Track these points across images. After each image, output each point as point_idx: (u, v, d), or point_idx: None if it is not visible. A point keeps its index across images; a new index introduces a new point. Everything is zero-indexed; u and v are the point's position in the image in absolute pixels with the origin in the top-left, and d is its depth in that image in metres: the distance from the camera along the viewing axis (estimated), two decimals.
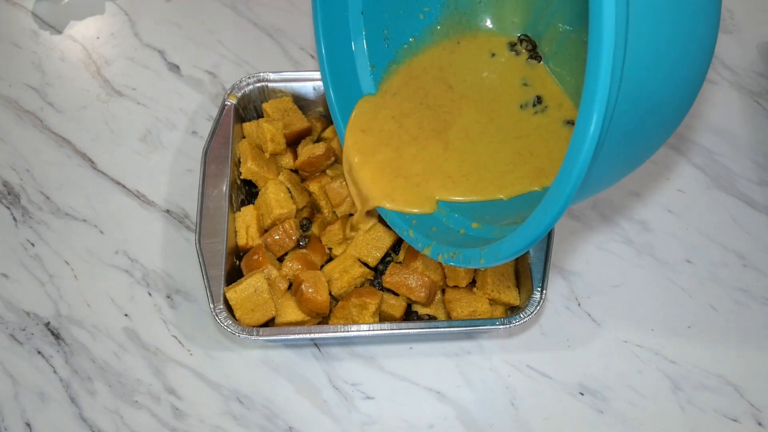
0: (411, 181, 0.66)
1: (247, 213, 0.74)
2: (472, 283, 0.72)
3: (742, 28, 0.98)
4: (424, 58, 0.73)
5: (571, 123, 0.65)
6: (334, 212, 0.77)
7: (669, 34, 0.43)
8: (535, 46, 0.71)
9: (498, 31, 0.72)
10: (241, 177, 0.76)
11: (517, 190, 0.62)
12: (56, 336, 0.76)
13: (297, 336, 0.67)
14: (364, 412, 0.72)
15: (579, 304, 0.78)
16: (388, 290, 0.72)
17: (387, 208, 0.65)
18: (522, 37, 0.71)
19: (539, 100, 0.67)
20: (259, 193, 0.76)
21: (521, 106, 0.68)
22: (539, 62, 0.70)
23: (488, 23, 0.72)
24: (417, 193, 0.65)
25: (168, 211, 0.83)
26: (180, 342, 0.76)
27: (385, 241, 0.73)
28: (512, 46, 0.72)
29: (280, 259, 0.75)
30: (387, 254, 0.75)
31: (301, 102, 0.82)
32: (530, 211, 0.46)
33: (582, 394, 0.73)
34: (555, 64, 0.69)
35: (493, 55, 0.71)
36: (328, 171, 0.80)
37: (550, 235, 0.71)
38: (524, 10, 0.71)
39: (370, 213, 0.70)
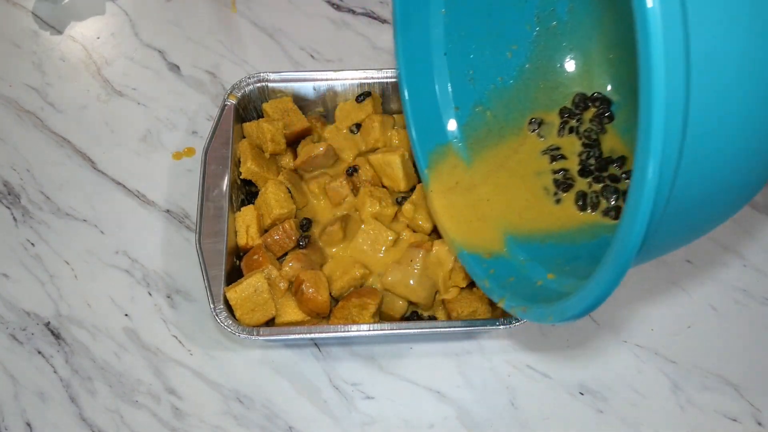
0: (479, 217, 0.67)
1: (247, 213, 0.74)
2: (473, 283, 0.72)
3: None
4: (509, 140, 0.71)
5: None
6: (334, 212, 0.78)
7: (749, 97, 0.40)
8: (609, 104, 0.68)
9: (581, 77, 0.70)
10: (241, 177, 0.76)
11: (576, 222, 0.62)
12: (56, 336, 0.76)
13: (297, 336, 0.67)
14: (364, 412, 0.73)
15: None
16: (389, 291, 0.72)
17: (459, 247, 0.65)
18: (596, 95, 0.69)
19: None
20: (259, 193, 0.76)
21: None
22: (610, 122, 0.68)
23: (572, 66, 0.71)
24: (484, 227, 0.65)
25: (168, 211, 0.83)
26: (180, 342, 0.76)
27: (386, 241, 0.73)
28: (583, 101, 0.69)
29: (280, 259, 0.75)
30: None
31: (301, 102, 0.82)
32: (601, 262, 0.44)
33: (582, 394, 0.73)
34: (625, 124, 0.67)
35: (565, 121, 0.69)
36: (328, 171, 0.80)
37: None
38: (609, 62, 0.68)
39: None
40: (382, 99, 0.83)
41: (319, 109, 0.83)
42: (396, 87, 0.81)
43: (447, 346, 0.76)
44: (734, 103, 0.39)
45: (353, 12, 0.98)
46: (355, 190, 0.77)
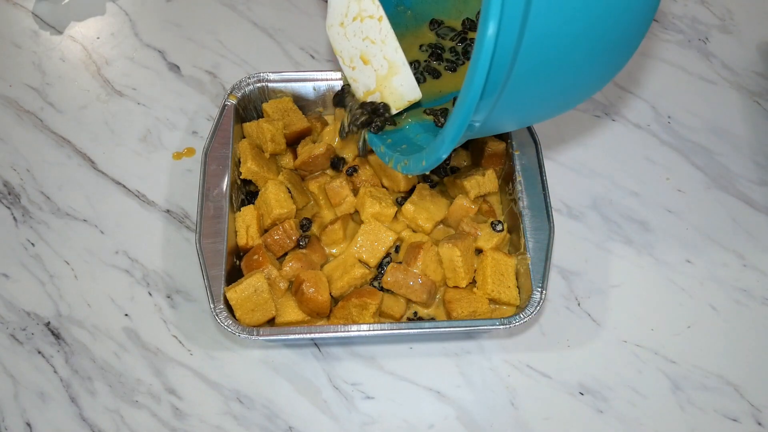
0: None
1: (247, 213, 0.74)
2: (473, 283, 0.72)
3: (742, 28, 0.98)
4: (414, 32, 0.75)
5: None
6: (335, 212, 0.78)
7: None
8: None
9: None
10: (241, 177, 0.76)
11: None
12: (56, 336, 0.76)
13: (297, 336, 0.67)
14: (364, 412, 0.73)
15: (579, 304, 0.78)
16: (388, 291, 0.72)
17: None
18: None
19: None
20: (259, 193, 0.76)
21: None
22: None
23: None
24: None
25: (168, 211, 0.83)
26: (180, 342, 0.76)
27: (386, 241, 0.73)
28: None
29: (280, 259, 0.75)
30: (387, 254, 0.75)
31: (301, 102, 0.82)
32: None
33: (582, 394, 0.73)
34: None
35: None
36: (327, 171, 0.80)
37: (549, 236, 0.71)
38: None
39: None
40: None
41: (319, 109, 0.84)
42: None
43: (447, 346, 0.76)
44: None
45: None
46: (355, 190, 0.77)
